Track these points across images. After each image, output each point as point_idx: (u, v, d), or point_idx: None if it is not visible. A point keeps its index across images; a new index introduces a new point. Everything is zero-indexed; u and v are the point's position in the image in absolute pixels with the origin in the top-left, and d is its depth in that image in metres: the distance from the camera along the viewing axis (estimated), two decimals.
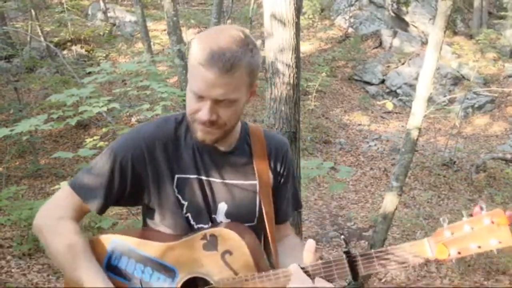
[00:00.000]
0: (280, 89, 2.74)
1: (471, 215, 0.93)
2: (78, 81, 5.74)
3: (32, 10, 10.17)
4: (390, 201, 3.91)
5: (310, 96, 9.74)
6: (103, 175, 1.16)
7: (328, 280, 1.04)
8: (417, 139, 3.88)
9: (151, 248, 1.16)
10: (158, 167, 1.17)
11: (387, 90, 11.50)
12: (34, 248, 4.64)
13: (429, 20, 12.85)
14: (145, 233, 1.23)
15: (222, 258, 1.12)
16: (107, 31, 12.19)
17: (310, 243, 1.07)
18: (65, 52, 11.11)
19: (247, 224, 1.22)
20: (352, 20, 13.82)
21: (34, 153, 7.63)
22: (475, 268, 4.74)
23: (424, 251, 0.96)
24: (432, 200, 6.84)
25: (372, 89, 11.60)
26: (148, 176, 1.17)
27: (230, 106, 1.09)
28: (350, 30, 13.71)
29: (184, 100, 1.24)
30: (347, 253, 1.02)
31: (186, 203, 1.19)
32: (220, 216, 1.21)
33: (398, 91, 11.34)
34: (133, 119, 8.50)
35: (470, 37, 12.75)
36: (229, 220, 1.21)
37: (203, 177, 1.19)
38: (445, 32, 3.64)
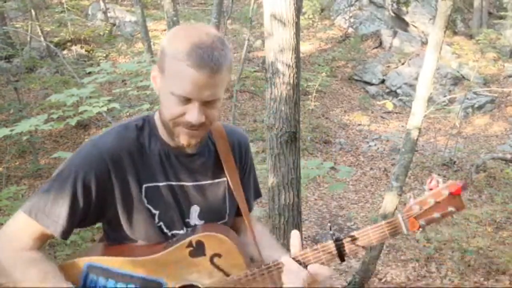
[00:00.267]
0: (280, 89, 2.75)
1: (429, 189, 1.07)
2: (78, 81, 5.74)
3: (32, 10, 10.19)
4: (390, 201, 3.92)
5: (310, 96, 9.75)
6: (64, 197, 1.06)
7: None
8: (417, 139, 3.88)
9: (129, 265, 1.10)
10: (125, 179, 1.10)
11: (387, 90, 11.50)
12: None
13: (429, 20, 12.86)
14: (119, 249, 1.15)
15: (211, 262, 1.11)
16: (107, 31, 12.20)
17: (295, 235, 1.12)
18: (65, 52, 11.13)
19: (219, 222, 1.22)
20: (352, 20, 13.83)
21: (34, 153, 7.64)
22: (475, 268, 4.74)
23: (399, 225, 1.08)
24: None
25: (372, 89, 11.60)
26: (114, 191, 1.09)
27: (215, 105, 1.06)
28: (350, 30, 13.72)
29: None
30: (332, 235, 1.09)
31: (157, 212, 1.13)
32: (194, 219, 1.18)
33: (398, 91, 11.34)
34: None
35: (470, 37, 12.76)
36: (203, 222, 1.19)
37: (173, 183, 1.15)
38: (445, 32, 3.64)
